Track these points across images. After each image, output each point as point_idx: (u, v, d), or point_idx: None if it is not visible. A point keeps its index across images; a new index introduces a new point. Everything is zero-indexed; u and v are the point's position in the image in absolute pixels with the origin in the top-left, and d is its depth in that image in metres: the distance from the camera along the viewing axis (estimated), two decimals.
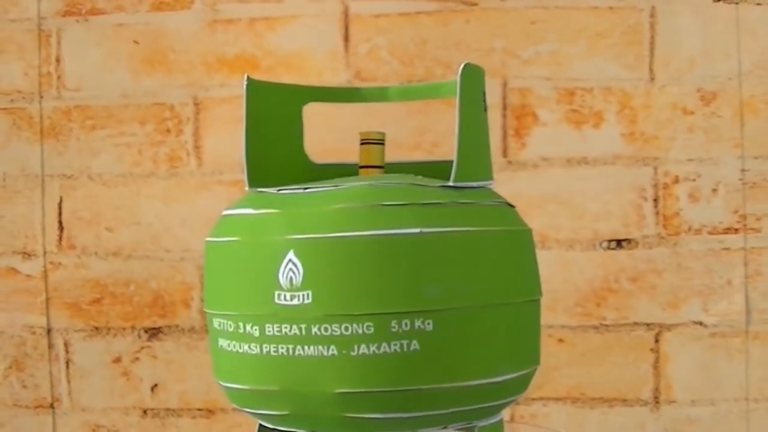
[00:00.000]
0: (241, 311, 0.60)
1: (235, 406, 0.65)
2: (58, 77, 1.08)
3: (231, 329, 0.61)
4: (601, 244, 1.03)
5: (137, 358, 1.07)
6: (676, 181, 1.03)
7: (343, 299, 0.58)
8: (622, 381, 1.03)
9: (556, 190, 1.03)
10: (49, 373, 1.09)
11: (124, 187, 1.07)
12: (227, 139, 1.06)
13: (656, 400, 1.03)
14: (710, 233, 1.03)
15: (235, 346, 0.61)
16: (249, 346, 0.60)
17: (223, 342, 0.62)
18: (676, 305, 1.03)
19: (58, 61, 1.08)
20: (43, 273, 1.09)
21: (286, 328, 0.59)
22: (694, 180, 1.03)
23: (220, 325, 0.62)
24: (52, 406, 1.09)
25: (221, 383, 0.64)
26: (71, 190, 1.08)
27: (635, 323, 1.03)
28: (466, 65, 0.63)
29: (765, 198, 1.02)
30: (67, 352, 1.08)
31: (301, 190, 0.61)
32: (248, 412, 0.64)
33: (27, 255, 1.09)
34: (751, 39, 1.02)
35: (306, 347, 0.59)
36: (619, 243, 1.03)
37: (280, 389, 0.60)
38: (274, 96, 0.70)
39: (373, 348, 0.58)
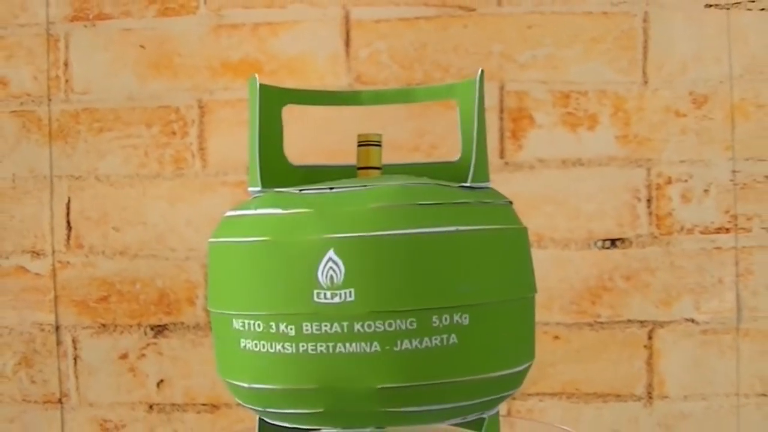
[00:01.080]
0: (275, 311, 0.59)
1: (252, 407, 0.63)
2: (66, 81, 1.08)
3: (260, 329, 0.59)
4: (595, 243, 1.03)
5: (143, 355, 1.07)
6: (669, 182, 1.03)
7: (386, 296, 0.58)
8: (616, 377, 1.03)
9: (551, 190, 1.03)
10: (57, 369, 1.08)
11: (131, 188, 1.07)
12: (231, 141, 1.06)
13: (649, 395, 1.03)
14: (702, 233, 1.03)
15: (264, 347, 0.60)
16: (282, 346, 0.59)
17: (247, 343, 0.60)
18: (668, 303, 1.03)
19: (66, 65, 1.08)
20: (52, 271, 1.08)
21: (326, 326, 0.58)
22: (686, 181, 1.03)
23: (243, 326, 0.60)
24: (60, 401, 1.09)
25: (241, 384, 0.62)
26: (79, 190, 1.08)
27: (629, 320, 1.03)
28: (482, 71, 0.65)
29: (755, 198, 1.02)
30: (75, 348, 1.08)
31: (328, 190, 0.61)
32: (270, 412, 0.62)
33: (36, 254, 1.09)
34: (742, 44, 1.02)
35: (347, 344, 0.58)
36: (614, 242, 1.03)
37: (318, 387, 0.59)
38: (275, 99, 0.71)
39: (415, 342, 0.58)
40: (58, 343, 1.08)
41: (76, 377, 1.08)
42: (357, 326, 0.58)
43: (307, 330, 0.58)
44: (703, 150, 1.02)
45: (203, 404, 1.07)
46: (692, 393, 1.03)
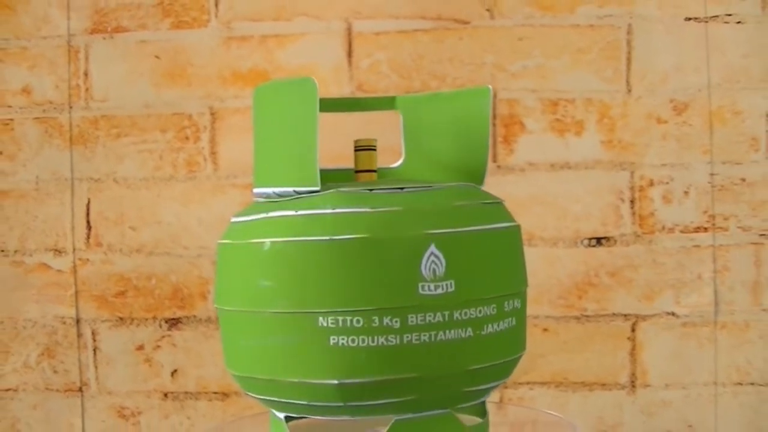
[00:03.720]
0: (379, 305, 0.58)
1: (331, 403, 0.60)
2: (86, 89, 1.08)
3: (359, 325, 0.58)
4: (582, 241, 1.04)
5: (158, 346, 1.08)
6: (651, 184, 1.03)
7: (479, 285, 0.60)
8: (602, 367, 1.04)
9: (541, 192, 1.04)
10: (78, 360, 1.09)
11: (147, 190, 1.08)
12: (241, 145, 1.06)
13: (632, 384, 1.04)
14: (682, 232, 1.03)
15: (364, 341, 0.58)
16: (386, 338, 0.58)
17: (340, 339, 0.58)
18: (650, 297, 1.03)
19: (86, 74, 1.08)
20: (73, 268, 1.09)
21: (430, 316, 0.58)
22: (667, 183, 1.03)
23: (336, 323, 0.58)
24: (80, 389, 1.09)
25: (329, 382, 0.59)
26: (98, 192, 1.08)
27: (613, 314, 1.03)
28: (491, 88, 0.68)
29: (732, 200, 1.03)
30: (94, 340, 1.09)
31: (399, 190, 0.61)
32: (353, 406, 0.60)
33: (58, 252, 1.09)
34: (720, 54, 1.02)
35: (447, 332, 0.59)
36: (599, 241, 1.03)
37: (418, 375, 0.59)
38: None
39: (495, 326, 0.61)
40: (79, 335, 1.09)
41: (96, 367, 1.09)
42: (456, 314, 0.59)
43: (412, 321, 0.58)
44: (683, 154, 1.03)
45: (215, 392, 1.07)
46: (673, 382, 1.04)
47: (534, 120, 1.04)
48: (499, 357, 0.62)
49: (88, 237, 1.09)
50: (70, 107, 1.09)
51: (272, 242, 0.60)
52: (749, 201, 1.03)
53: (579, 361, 1.04)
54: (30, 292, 1.10)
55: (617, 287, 1.04)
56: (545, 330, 1.04)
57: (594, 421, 1.04)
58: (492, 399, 0.69)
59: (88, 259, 1.09)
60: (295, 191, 0.62)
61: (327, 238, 0.58)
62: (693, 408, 1.03)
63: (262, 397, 0.64)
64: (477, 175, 0.68)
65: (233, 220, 0.66)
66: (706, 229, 1.03)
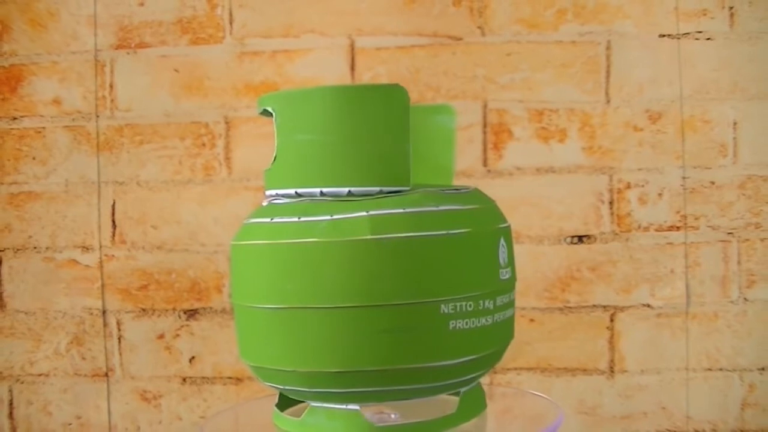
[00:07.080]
0: (483, 290, 0.61)
1: (439, 383, 0.61)
2: (112, 100, 1.09)
3: (470, 309, 0.60)
4: (565, 239, 1.05)
5: (178, 335, 1.09)
6: (628, 186, 1.04)
7: (514, 272, 0.66)
8: (583, 354, 1.05)
9: (527, 194, 1.05)
10: (104, 348, 1.10)
11: (167, 192, 1.09)
12: (253, 151, 1.07)
13: (611, 369, 1.05)
14: (656, 230, 1.04)
15: (474, 323, 0.60)
16: (486, 319, 0.61)
17: (458, 323, 0.60)
18: (628, 290, 1.05)
19: (111, 86, 1.09)
20: (99, 264, 1.10)
21: (504, 298, 0.63)
22: (643, 186, 1.04)
23: (455, 309, 0.59)
24: (106, 375, 1.10)
25: (446, 363, 0.60)
26: (122, 194, 1.10)
27: (594, 306, 1.05)
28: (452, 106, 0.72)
29: (702, 201, 1.04)
30: (119, 329, 1.10)
31: (455, 191, 0.64)
32: (456, 382, 0.62)
33: (85, 249, 1.10)
34: (691, 68, 1.04)
35: (509, 310, 0.65)
36: (581, 238, 1.05)
37: (497, 350, 0.64)
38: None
39: (513, 309, 0.67)
40: (105, 325, 1.10)
41: (120, 354, 1.10)
42: (511, 296, 0.65)
43: (499, 302, 0.62)
44: (658, 159, 1.04)
45: (229, 377, 1.09)
46: (648, 368, 1.05)
47: (521, 128, 1.05)
48: (513, 334, 0.68)
49: (113, 235, 1.10)
50: (97, 116, 1.10)
51: (387, 238, 0.58)
52: (718, 202, 1.04)
53: (562, 349, 1.05)
54: (60, 285, 1.11)
55: (597, 281, 1.05)
56: (531, 320, 1.06)
57: (576, 404, 1.05)
58: (483, 382, 0.70)
59: (113, 256, 1.10)
60: (381, 190, 0.61)
61: (443, 232, 0.59)
62: (666, 391, 1.05)
63: (351, 390, 0.61)
64: (447, 179, 0.72)
65: (304, 219, 0.61)
66: (678, 228, 1.04)
